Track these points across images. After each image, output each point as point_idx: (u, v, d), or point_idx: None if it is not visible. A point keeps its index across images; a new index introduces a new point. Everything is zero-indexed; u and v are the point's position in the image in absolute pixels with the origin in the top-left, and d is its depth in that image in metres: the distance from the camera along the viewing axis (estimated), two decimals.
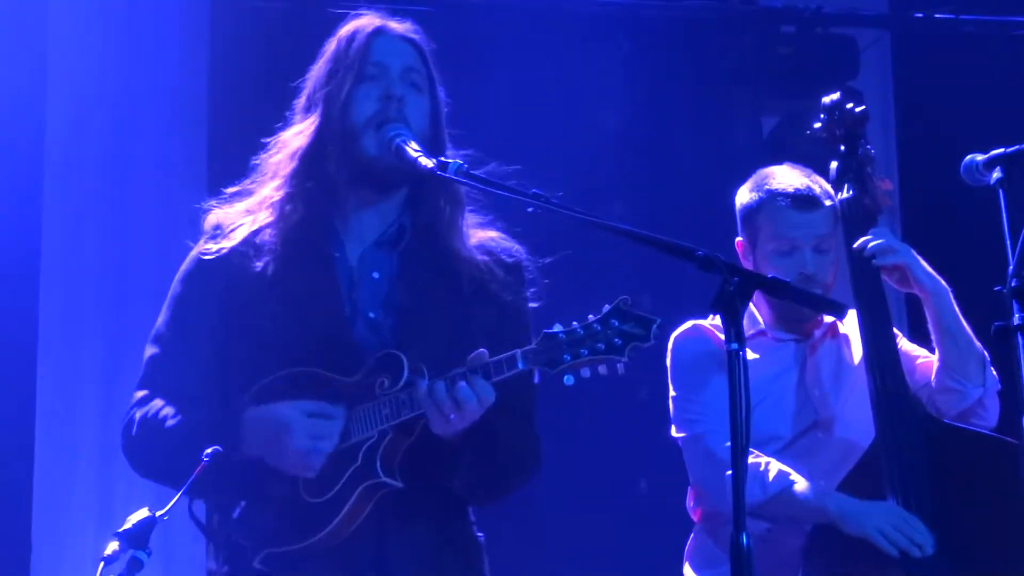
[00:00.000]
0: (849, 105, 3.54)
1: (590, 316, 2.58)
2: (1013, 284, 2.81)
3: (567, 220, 2.59)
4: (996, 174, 2.95)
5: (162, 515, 2.47)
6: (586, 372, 2.55)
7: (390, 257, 2.82)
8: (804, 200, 3.44)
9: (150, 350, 2.81)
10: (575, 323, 2.58)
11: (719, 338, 3.34)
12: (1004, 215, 2.87)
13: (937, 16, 5.52)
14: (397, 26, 2.83)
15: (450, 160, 2.63)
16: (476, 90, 4.38)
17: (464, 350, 2.63)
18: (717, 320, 3.34)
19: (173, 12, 5.37)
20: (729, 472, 2.84)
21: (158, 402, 2.75)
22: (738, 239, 3.56)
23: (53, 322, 5.02)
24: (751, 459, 3.23)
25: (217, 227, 2.80)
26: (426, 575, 2.73)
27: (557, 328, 2.57)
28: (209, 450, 2.47)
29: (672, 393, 3.51)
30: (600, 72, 5.42)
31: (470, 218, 2.85)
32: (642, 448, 4.65)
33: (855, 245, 3.35)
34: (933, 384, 3.34)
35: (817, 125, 3.59)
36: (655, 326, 2.57)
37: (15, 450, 4.87)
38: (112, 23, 5.27)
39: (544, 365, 2.56)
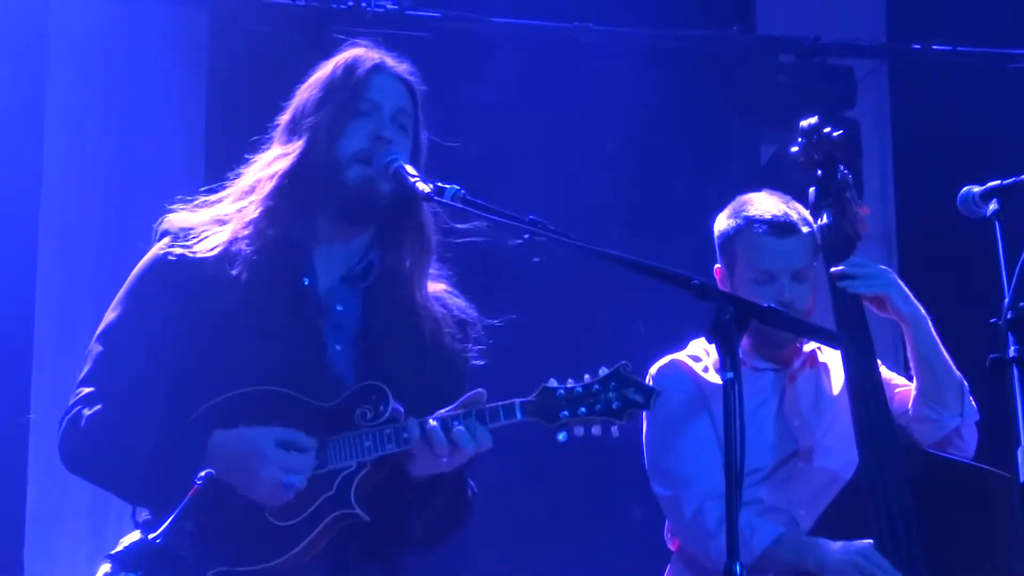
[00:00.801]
0: (827, 129, 3.54)
1: (587, 376, 2.61)
2: (1009, 316, 2.79)
3: (563, 247, 2.58)
4: (992, 206, 2.94)
5: (155, 538, 2.40)
6: (579, 431, 2.58)
7: (354, 292, 2.83)
8: (781, 227, 3.43)
9: (97, 348, 2.74)
10: (571, 381, 2.61)
11: (697, 373, 3.47)
12: (1000, 247, 2.87)
13: (934, 47, 5.58)
14: (395, 65, 2.83)
15: (447, 186, 2.60)
16: (473, 116, 4.41)
17: (417, 393, 2.67)
18: (694, 350, 3.54)
19: (174, 28, 5.41)
20: (714, 541, 3.23)
21: (110, 405, 2.68)
22: (716, 266, 3.54)
23: (49, 327, 5.05)
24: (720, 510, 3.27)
25: (186, 231, 2.78)
26: None
27: (554, 384, 2.60)
28: (203, 473, 2.41)
29: (645, 431, 3.50)
30: (599, 99, 5.39)
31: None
32: (636, 476, 4.61)
33: (832, 271, 3.34)
34: (910, 412, 3.33)
35: (794, 149, 3.60)
36: (655, 396, 2.64)
37: (9, 473, 4.87)
38: (112, 40, 5.31)
39: (541, 418, 2.58)
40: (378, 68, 2.80)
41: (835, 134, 3.56)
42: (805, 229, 3.47)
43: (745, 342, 3.42)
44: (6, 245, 5.03)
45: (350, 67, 2.81)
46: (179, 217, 2.80)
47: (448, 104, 3.24)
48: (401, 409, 2.61)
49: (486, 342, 2.92)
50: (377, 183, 2.71)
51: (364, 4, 4.80)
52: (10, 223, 5.05)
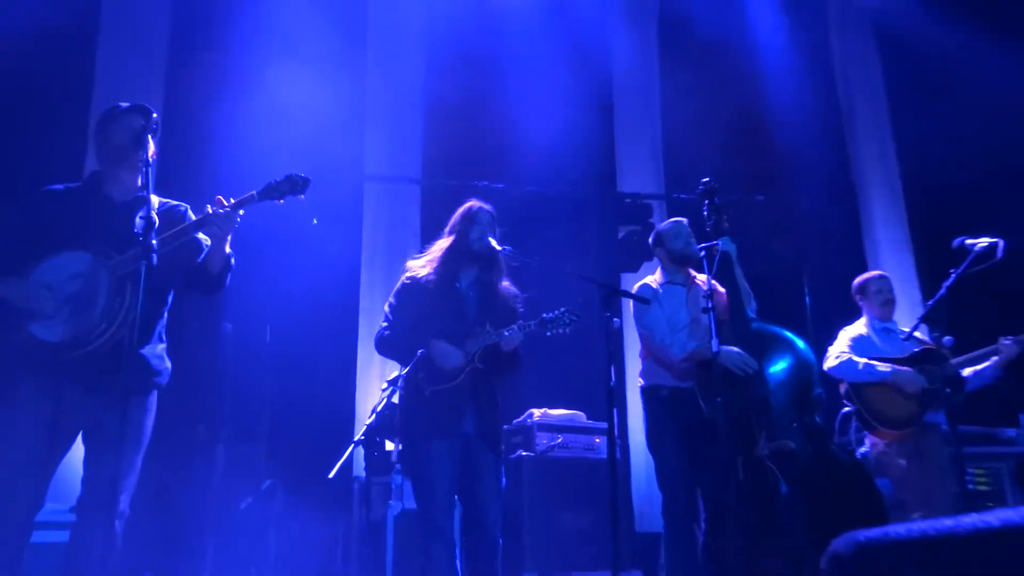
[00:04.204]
0: (712, 185, 3.55)
1: (557, 311, 3.02)
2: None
3: (552, 269, 3.17)
4: (702, 254, 3.51)
5: (404, 373, 3.11)
6: (554, 332, 2.99)
7: (477, 287, 3.18)
8: (679, 221, 3.78)
9: (385, 311, 3.16)
10: (553, 312, 3.02)
11: (652, 286, 3.71)
12: (707, 269, 3.45)
13: (683, 196, 5.53)
14: (486, 207, 3.24)
15: (504, 247, 3.10)
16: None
17: (501, 322, 3.05)
18: (650, 278, 3.72)
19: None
20: (670, 350, 3.43)
21: (388, 330, 3.10)
22: (656, 249, 3.78)
23: (367, 300, 5.44)
24: (672, 338, 3.57)
25: (412, 268, 3.21)
26: (491, 402, 3.08)
27: (545, 315, 3.02)
28: (420, 351, 3.01)
29: (633, 311, 3.72)
30: (531, 229, 5.19)
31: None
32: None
33: (720, 245, 3.45)
34: (728, 306, 3.42)
35: (701, 189, 3.56)
36: (579, 317, 2.98)
37: (346, 346, 5.28)
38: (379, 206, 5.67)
39: (541, 328, 3.01)
40: (480, 208, 3.22)
41: (714, 186, 3.55)
42: (685, 221, 3.74)
43: (667, 274, 3.74)
44: (338, 261, 5.27)
45: (469, 208, 3.22)
46: (411, 264, 3.23)
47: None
48: (492, 328, 3.01)
49: (523, 303, 3.25)
50: (482, 249, 3.12)
51: (484, 183, 5.07)
52: (341, 254, 5.30)
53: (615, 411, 2.89)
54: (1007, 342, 3.94)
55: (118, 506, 2.40)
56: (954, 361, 3.83)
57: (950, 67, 5.93)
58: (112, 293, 2.49)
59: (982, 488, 4.37)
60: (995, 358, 3.97)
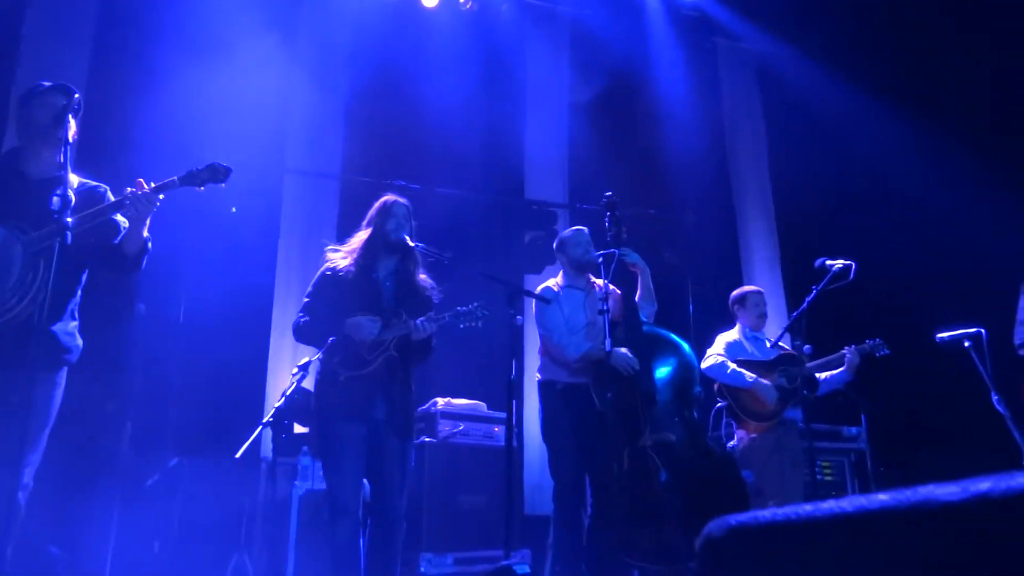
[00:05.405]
0: (612, 199, 3.57)
1: (471, 305, 2.99)
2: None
3: (461, 267, 3.12)
4: (600, 260, 3.50)
5: (317, 358, 2.98)
6: (466, 324, 2.96)
7: (394, 278, 3.08)
8: (580, 229, 3.74)
9: (304, 300, 3.07)
10: (466, 306, 2.98)
11: (553, 289, 3.69)
12: (604, 274, 3.42)
13: (585, 206, 5.72)
14: (402, 200, 3.18)
15: (418, 244, 3.05)
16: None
17: (415, 312, 2.97)
18: (551, 281, 3.68)
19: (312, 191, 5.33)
20: (566, 350, 3.36)
21: (307, 317, 3.00)
22: (560, 256, 3.74)
23: (282, 288, 5.22)
24: (569, 339, 3.53)
25: (332, 259, 3.11)
26: (403, 389, 2.99)
27: (460, 308, 2.96)
28: (332, 339, 2.90)
29: (535, 312, 3.71)
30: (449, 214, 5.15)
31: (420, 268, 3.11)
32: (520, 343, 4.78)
33: (620, 255, 3.46)
34: (622, 308, 3.45)
35: (603, 201, 3.61)
36: (490, 312, 2.94)
37: (259, 331, 5.06)
38: (300, 203, 5.40)
39: (456, 320, 2.95)
40: (395, 201, 3.15)
41: (616, 199, 3.58)
42: (585, 229, 3.72)
43: (568, 278, 3.70)
44: (255, 261, 5.06)
45: (385, 202, 3.16)
46: (331, 254, 3.15)
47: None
48: (408, 317, 2.94)
49: (439, 295, 3.18)
50: (397, 241, 3.04)
51: (401, 183, 4.99)
52: (256, 270, 5.06)
53: (514, 402, 2.89)
54: (850, 351, 4.12)
55: (22, 479, 2.27)
56: (809, 365, 3.96)
57: (820, 109, 6.16)
58: (25, 269, 2.36)
59: (828, 478, 4.52)
60: (845, 363, 4.13)
